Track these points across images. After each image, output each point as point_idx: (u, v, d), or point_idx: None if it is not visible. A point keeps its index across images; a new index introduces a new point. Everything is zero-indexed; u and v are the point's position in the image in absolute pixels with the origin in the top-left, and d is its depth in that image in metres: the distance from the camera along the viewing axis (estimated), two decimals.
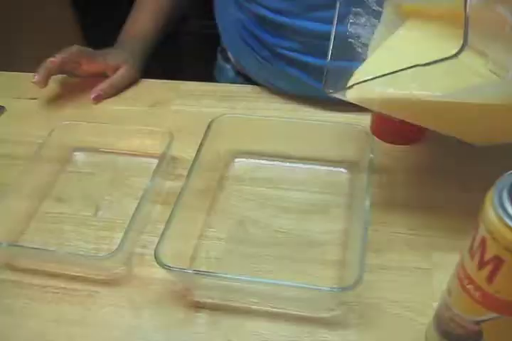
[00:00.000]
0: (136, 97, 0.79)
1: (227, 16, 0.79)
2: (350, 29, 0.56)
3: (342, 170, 0.66)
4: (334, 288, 0.50)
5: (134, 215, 0.57)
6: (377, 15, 0.55)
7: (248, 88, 0.80)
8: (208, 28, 1.29)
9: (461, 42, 0.40)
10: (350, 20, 0.55)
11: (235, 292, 0.54)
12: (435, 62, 0.41)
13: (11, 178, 0.66)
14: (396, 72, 0.44)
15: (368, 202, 0.54)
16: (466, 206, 0.60)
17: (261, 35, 0.74)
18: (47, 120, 0.76)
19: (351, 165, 0.65)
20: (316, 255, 0.58)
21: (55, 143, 0.66)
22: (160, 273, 0.56)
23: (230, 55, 0.86)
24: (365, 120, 0.70)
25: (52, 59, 0.74)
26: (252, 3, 0.72)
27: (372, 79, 0.47)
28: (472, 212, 0.58)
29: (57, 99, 0.79)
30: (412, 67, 0.43)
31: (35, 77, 0.74)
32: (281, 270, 0.56)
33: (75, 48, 0.76)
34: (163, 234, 0.52)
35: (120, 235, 0.59)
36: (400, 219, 0.60)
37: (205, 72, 0.94)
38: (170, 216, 0.54)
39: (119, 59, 0.79)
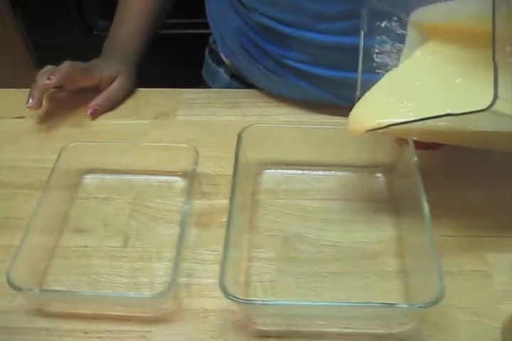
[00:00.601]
0: (135, 109, 0.73)
1: (224, 22, 0.74)
2: (377, 59, 0.54)
3: (377, 175, 0.63)
4: (416, 304, 0.47)
5: (179, 243, 0.51)
6: (402, 39, 0.54)
7: (253, 93, 0.75)
8: (185, 26, 1.25)
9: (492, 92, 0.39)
10: (376, 50, 0.54)
11: (300, 317, 0.51)
12: (467, 113, 0.41)
13: (18, 211, 0.60)
14: (428, 118, 0.44)
15: (426, 208, 0.52)
16: (509, 204, 0.61)
17: (265, 45, 0.70)
18: (39, 142, 0.68)
19: (386, 170, 0.63)
20: (372, 267, 0.55)
21: (63, 168, 0.59)
22: (212, 303, 0.52)
23: (223, 57, 0.81)
24: None
25: (47, 82, 0.66)
26: (255, 13, 0.68)
27: (404, 123, 0.47)
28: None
29: (47, 117, 0.71)
30: (443, 115, 0.43)
31: (29, 100, 0.67)
32: (340, 286, 0.53)
33: (67, 66, 0.68)
34: (224, 262, 0.48)
35: (159, 265, 0.55)
36: (445, 221, 0.58)
37: (193, 75, 0.89)
38: (225, 241, 0.49)
39: (113, 70, 0.72)
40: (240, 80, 0.82)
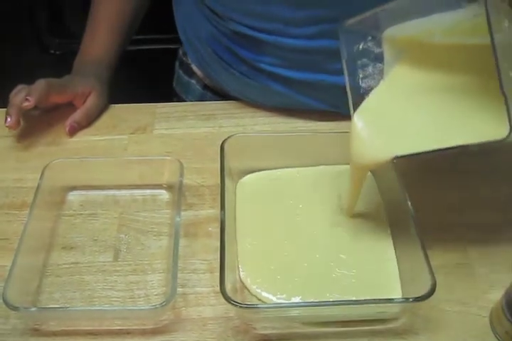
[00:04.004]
0: (112, 125, 0.73)
1: (196, 31, 0.76)
2: (363, 84, 0.55)
3: None
4: (409, 298, 0.49)
5: (174, 253, 0.52)
6: (381, 58, 0.55)
7: (227, 104, 0.77)
8: (151, 42, 1.26)
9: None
10: (360, 75, 0.55)
11: (300, 318, 0.52)
12: (483, 142, 0.44)
13: (2, 231, 0.60)
14: (439, 150, 0.46)
15: (410, 206, 0.54)
16: (488, 201, 0.63)
17: (238, 50, 0.72)
18: (17, 161, 0.68)
19: None
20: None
21: (47, 186, 0.59)
22: (209, 311, 0.53)
23: (194, 68, 0.82)
24: None
25: (26, 104, 0.66)
26: (230, 22, 0.69)
27: (414, 154, 0.49)
28: (495, 206, 0.62)
29: (23, 136, 0.70)
30: (456, 147, 0.45)
31: (7, 119, 0.66)
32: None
33: (43, 85, 0.68)
34: (222, 269, 0.48)
35: (152, 277, 0.55)
36: (427, 218, 0.58)
37: (163, 89, 0.89)
38: (221, 249, 0.50)
39: (87, 86, 0.72)
40: (212, 91, 0.83)
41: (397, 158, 0.50)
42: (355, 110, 0.53)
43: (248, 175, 0.64)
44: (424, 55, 0.52)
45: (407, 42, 0.53)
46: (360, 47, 0.54)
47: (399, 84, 0.53)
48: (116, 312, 0.51)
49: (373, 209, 0.60)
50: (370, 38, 0.54)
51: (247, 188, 0.63)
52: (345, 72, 0.54)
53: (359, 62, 0.54)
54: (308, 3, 0.64)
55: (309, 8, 0.64)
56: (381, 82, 0.54)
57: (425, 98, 0.51)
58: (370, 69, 0.54)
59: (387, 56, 0.54)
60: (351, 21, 0.52)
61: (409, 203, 0.55)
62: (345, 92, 0.53)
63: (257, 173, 0.65)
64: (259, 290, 0.53)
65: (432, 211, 0.60)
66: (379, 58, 0.54)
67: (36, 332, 0.51)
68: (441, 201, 0.63)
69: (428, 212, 0.59)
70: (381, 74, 0.54)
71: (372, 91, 0.53)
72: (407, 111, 0.52)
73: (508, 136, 0.41)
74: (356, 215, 0.60)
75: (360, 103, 0.53)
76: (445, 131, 0.48)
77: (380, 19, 0.52)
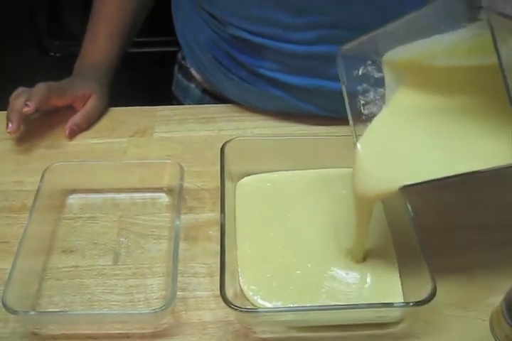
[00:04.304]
0: (112, 128, 0.73)
1: (195, 36, 0.76)
2: (365, 111, 0.53)
3: None
4: (410, 302, 0.49)
5: (174, 257, 0.52)
6: (382, 82, 0.53)
7: (227, 107, 0.77)
8: (150, 45, 1.26)
9: None
10: (362, 102, 0.53)
11: (300, 322, 0.52)
12: (494, 168, 0.43)
13: (1, 235, 0.59)
14: (445, 178, 0.45)
15: (409, 208, 0.54)
16: (488, 203, 0.63)
17: (238, 55, 0.72)
18: (17, 164, 0.68)
19: None
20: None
21: (47, 189, 0.59)
22: (209, 315, 0.53)
23: (193, 72, 0.82)
24: None
25: (26, 109, 0.66)
26: (229, 26, 0.69)
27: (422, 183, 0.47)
28: (494, 208, 0.62)
29: (22, 139, 0.70)
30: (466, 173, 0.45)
31: (8, 125, 0.66)
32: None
33: (43, 88, 0.68)
34: (222, 273, 0.48)
35: (152, 281, 0.55)
36: (426, 223, 0.58)
37: (163, 92, 0.89)
38: (221, 253, 0.50)
39: (87, 89, 0.72)
40: (211, 95, 0.83)
41: (404, 187, 0.49)
42: (357, 139, 0.52)
43: (247, 177, 0.64)
44: (426, 78, 0.50)
45: (407, 65, 0.51)
46: (360, 72, 0.52)
47: (401, 110, 0.51)
48: (116, 316, 0.51)
49: (373, 213, 0.60)
50: (369, 62, 0.52)
51: (246, 190, 0.63)
52: (346, 98, 0.52)
53: (359, 87, 0.53)
54: (307, 9, 0.64)
55: (308, 14, 0.64)
56: (383, 109, 0.52)
57: (430, 123, 0.50)
58: (371, 94, 0.53)
59: (388, 80, 0.52)
60: (348, 46, 0.51)
61: (409, 206, 0.55)
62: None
63: (257, 175, 0.64)
64: (255, 297, 0.53)
65: (432, 214, 0.60)
66: (380, 83, 0.52)
67: (36, 335, 0.51)
68: (441, 204, 0.63)
69: (428, 215, 0.59)
70: (383, 99, 0.52)
71: (375, 119, 0.52)
72: (412, 138, 0.50)
73: None
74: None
75: (363, 131, 0.52)
76: (453, 158, 0.47)
77: (378, 43, 0.51)
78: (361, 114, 0.53)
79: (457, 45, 0.45)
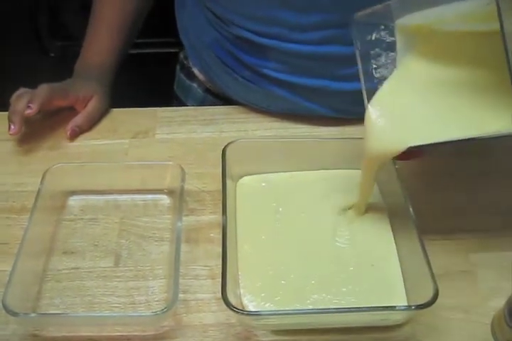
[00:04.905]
0: (113, 129, 0.72)
1: (199, 36, 0.76)
2: (376, 74, 0.54)
3: None
4: (412, 305, 0.49)
5: (176, 259, 0.52)
6: (393, 47, 0.54)
7: (229, 109, 0.77)
8: (150, 46, 1.26)
9: None
10: (374, 66, 0.54)
11: (302, 324, 0.52)
12: (497, 136, 0.45)
13: (1, 236, 0.59)
14: (452, 142, 0.47)
15: (411, 212, 0.54)
16: (490, 205, 0.63)
17: (241, 55, 0.72)
18: (18, 165, 0.67)
19: None
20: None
21: (47, 190, 0.59)
22: (210, 317, 0.53)
23: (196, 72, 0.82)
24: None
25: (28, 111, 0.65)
26: (232, 26, 0.69)
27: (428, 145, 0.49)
28: (495, 211, 0.62)
29: (24, 140, 0.70)
30: (470, 139, 0.46)
31: (10, 127, 0.66)
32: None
33: (45, 90, 0.68)
34: (224, 275, 0.48)
35: (153, 283, 0.55)
36: (429, 225, 0.58)
37: (164, 93, 0.89)
38: (223, 255, 0.50)
39: (88, 90, 0.72)
40: (213, 94, 0.83)
41: (411, 148, 0.50)
42: (369, 101, 0.53)
43: (245, 177, 0.64)
44: (436, 45, 0.52)
45: (420, 30, 0.52)
46: (373, 37, 0.53)
47: (412, 74, 0.53)
48: (117, 318, 0.51)
49: (376, 214, 0.60)
50: (382, 27, 0.53)
51: (246, 190, 0.63)
52: (359, 62, 0.53)
53: (372, 52, 0.54)
54: (313, 8, 0.63)
55: (314, 13, 0.64)
56: (394, 72, 0.54)
57: (439, 88, 0.52)
58: (383, 58, 0.54)
59: (399, 44, 0.54)
60: (362, 13, 0.52)
61: (411, 209, 0.55)
62: (350, 98, 0.53)
63: (256, 175, 0.64)
64: (253, 302, 0.52)
65: (434, 216, 0.60)
66: (391, 47, 0.54)
67: (36, 337, 0.51)
68: (443, 206, 0.62)
69: (430, 217, 0.59)
70: (394, 63, 0.54)
71: (386, 81, 0.53)
72: (422, 101, 0.52)
73: None
74: (359, 220, 0.59)
75: (374, 93, 0.53)
76: (459, 123, 0.49)
77: (392, 10, 0.52)
78: (373, 77, 0.54)
79: (471, 13, 0.46)
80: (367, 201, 0.59)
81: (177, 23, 0.79)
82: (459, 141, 0.47)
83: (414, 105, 0.52)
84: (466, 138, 0.47)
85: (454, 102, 0.50)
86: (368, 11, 0.51)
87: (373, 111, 0.53)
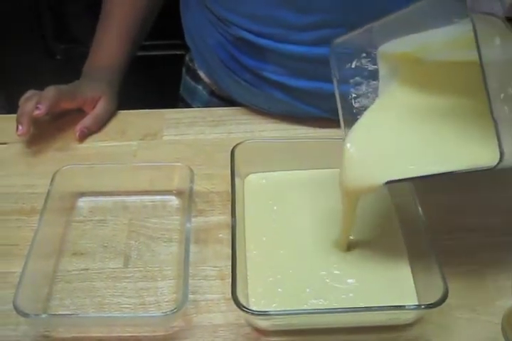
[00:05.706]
0: (121, 131, 0.73)
1: (203, 38, 0.76)
2: (356, 104, 0.53)
3: None
4: (421, 304, 0.49)
5: (185, 260, 0.52)
6: (375, 75, 0.53)
7: (236, 110, 0.77)
8: (156, 48, 1.26)
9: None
10: (353, 95, 0.53)
11: (312, 324, 0.52)
12: (471, 170, 0.43)
13: (11, 237, 0.60)
14: (429, 176, 0.45)
15: (420, 212, 0.54)
16: (496, 205, 0.63)
17: (243, 58, 0.72)
18: (27, 167, 0.68)
19: None
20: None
21: (57, 192, 0.59)
22: (220, 318, 0.53)
23: (201, 74, 0.82)
24: None
25: (37, 112, 0.66)
26: (231, 26, 0.70)
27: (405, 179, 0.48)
28: (506, 210, 0.62)
29: (32, 142, 0.70)
30: (447, 173, 0.45)
31: (18, 128, 0.66)
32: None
33: (53, 92, 0.68)
34: (233, 275, 0.48)
35: (163, 284, 0.55)
36: (434, 224, 0.58)
37: (170, 95, 0.90)
38: (232, 256, 0.50)
39: (96, 92, 0.72)
40: (219, 97, 0.83)
41: (388, 183, 0.49)
42: (346, 133, 0.52)
43: (251, 174, 0.64)
44: (419, 74, 0.51)
45: (402, 58, 0.51)
46: (353, 65, 0.52)
47: (395, 104, 0.52)
48: (127, 319, 0.51)
49: (385, 215, 0.60)
50: (364, 54, 0.52)
51: (252, 188, 0.63)
52: (337, 92, 0.52)
53: (351, 81, 0.53)
54: (312, 7, 0.64)
55: (313, 12, 0.64)
56: (376, 101, 0.52)
57: (418, 120, 0.50)
58: (363, 87, 0.53)
59: (382, 72, 0.52)
60: (341, 39, 0.51)
61: (420, 209, 0.55)
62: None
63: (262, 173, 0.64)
64: (262, 301, 0.52)
65: (443, 216, 0.60)
66: (373, 76, 0.52)
67: (46, 338, 0.51)
68: (451, 206, 0.62)
69: (438, 217, 0.59)
70: (375, 92, 0.53)
71: (365, 113, 0.52)
72: (399, 134, 0.51)
73: (497, 165, 0.40)
74: (369, 222, 0.59)
75: (352, 124, 0.52)
76: (436, 158, 0.47)
77: (374, 35, 0.50)
78: (352, 107, 0.53)
79: (450, 40, 0.46)
80: (348, 234, 0.57)
81: (182, 25, 0.79)
82: (437, 174, 0.45)
83: (393, 139, 0.50)
84: (444, 172, 0.45)
85: (436, 134, 0.48)
86: (347, 36, 0.50)
87: (350, 144, 0.51)
